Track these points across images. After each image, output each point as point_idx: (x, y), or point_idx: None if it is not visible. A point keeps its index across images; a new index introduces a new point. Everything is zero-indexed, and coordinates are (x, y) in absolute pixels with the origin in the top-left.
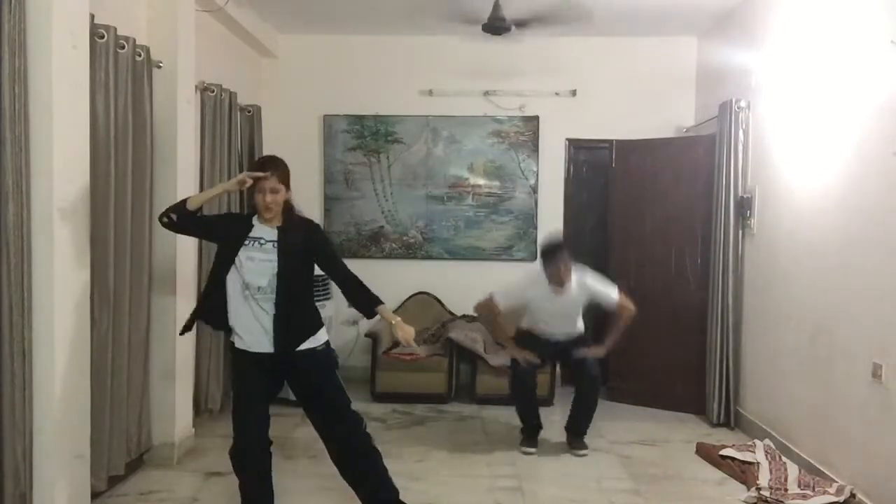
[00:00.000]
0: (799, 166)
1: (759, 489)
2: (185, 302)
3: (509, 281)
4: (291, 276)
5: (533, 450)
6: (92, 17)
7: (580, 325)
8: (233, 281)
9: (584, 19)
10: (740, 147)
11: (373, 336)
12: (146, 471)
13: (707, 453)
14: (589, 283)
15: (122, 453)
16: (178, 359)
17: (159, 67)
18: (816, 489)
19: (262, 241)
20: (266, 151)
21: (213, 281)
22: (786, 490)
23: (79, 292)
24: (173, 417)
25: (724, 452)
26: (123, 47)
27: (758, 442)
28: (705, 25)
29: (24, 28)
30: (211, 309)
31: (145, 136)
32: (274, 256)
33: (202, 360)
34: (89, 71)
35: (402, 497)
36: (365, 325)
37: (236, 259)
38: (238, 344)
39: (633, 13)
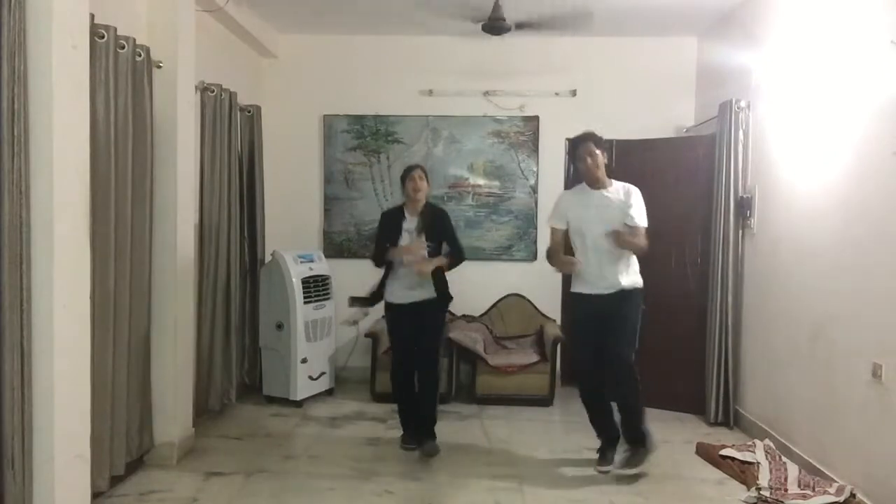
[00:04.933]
0: (799, 166)
1: (759, 489)
2: (185, 302)
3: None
4: (429, 251)
5: (608, 468)
6: (92, 17)
7: (626, 271)
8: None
9: (584, 23)
10: (740, 147)
11: (373, 336)
12: (146, 471)
13: (707, 453)
14: (634, 195)
15: (122, 453)
16: (178, 359)
17: (159, 67)
18: (816, 489)
19: (410, 230)
20: (266, 151)
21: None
22: (786, 490)
23: (79, 292)
24: (173, 417)
25: (724, 452)
26: (123, 47)
27: (758, 442)
28: (705, 25)
29: (24, 28)
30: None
31: (145, 136)
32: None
33: (202, 361)
34: (89, 71)
35: (401, 496)
36: (365, 325)
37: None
38: (395, 301)
39: (633, 13)
